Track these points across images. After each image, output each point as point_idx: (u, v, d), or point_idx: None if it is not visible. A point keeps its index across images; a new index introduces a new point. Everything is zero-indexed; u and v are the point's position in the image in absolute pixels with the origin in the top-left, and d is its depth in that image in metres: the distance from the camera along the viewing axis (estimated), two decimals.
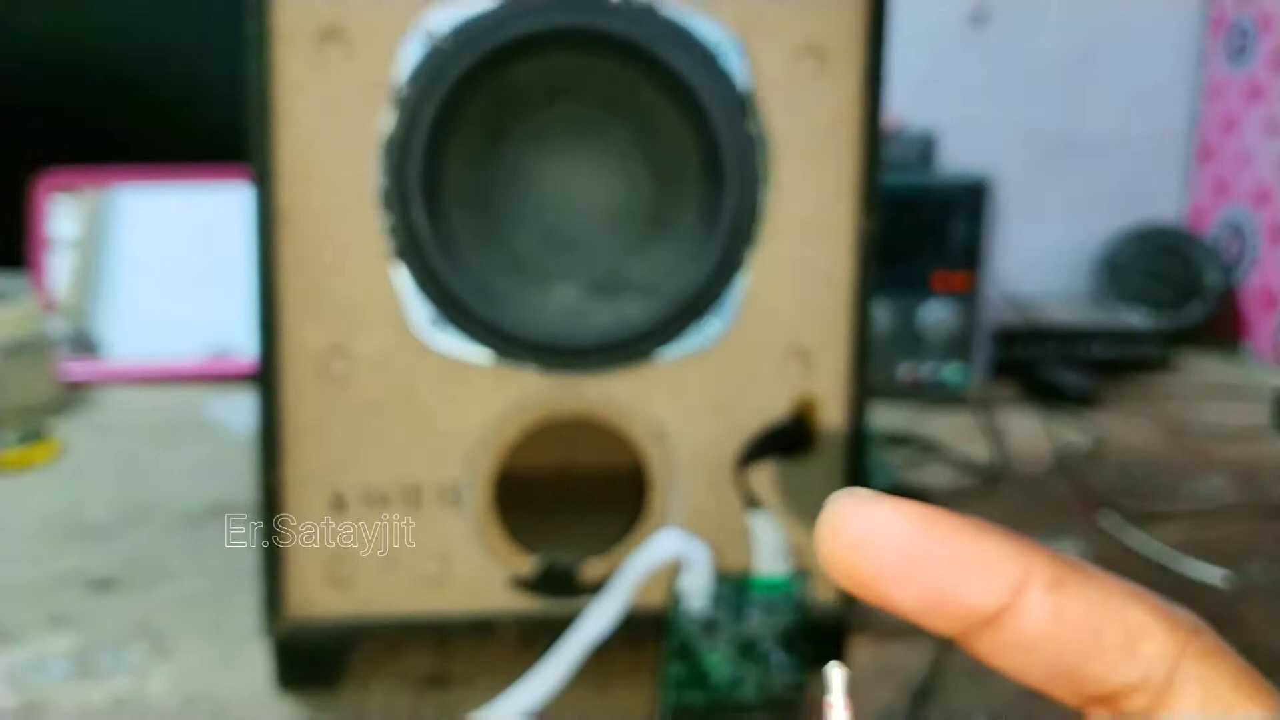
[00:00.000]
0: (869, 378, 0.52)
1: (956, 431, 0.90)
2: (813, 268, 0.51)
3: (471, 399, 0.50)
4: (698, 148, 0.50)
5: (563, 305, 0.51)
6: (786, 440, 0.52)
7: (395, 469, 0.50)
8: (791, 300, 0.51)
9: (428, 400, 0.50)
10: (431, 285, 0.48)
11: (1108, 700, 0.15)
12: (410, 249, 0.48)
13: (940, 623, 0.16)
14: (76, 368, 1.01)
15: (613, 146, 0.52)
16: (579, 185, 0.52)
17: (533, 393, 0.50)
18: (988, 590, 0.15)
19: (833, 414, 0.52)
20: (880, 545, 0.15)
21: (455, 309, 0.49)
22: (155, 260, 1.07)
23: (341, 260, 0.48)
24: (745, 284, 0.51)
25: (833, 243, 0.51)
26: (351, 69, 0.47)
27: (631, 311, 0.50)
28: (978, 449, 0.85)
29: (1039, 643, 0.15)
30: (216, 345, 1.05)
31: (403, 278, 0.48)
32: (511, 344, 0.49)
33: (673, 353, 0.51)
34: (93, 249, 1.06)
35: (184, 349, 1.04)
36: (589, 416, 0.51)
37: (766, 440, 0.52)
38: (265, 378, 0.48)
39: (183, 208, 1.07)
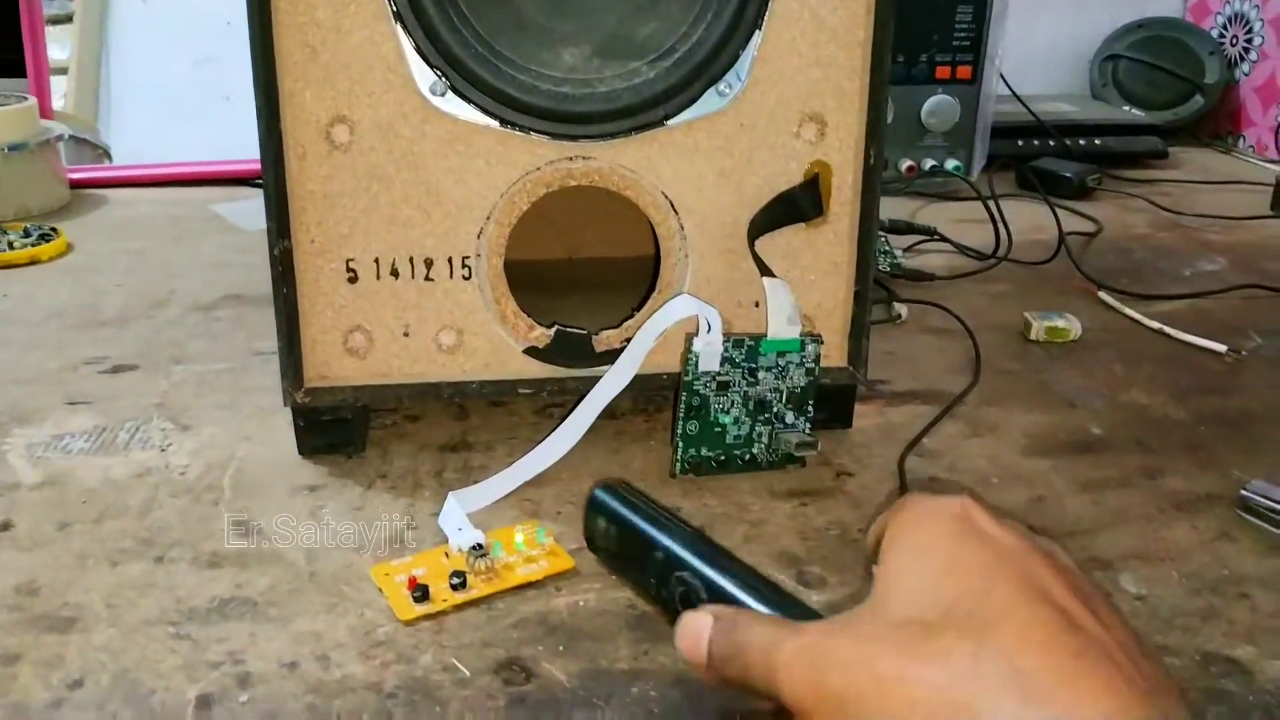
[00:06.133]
0: (884, 143, 0.51)
1: (957, 221, 0.90)
2: (829, 25, 0.49)
3: (479, 167, 0.49)
4: None
5: (570, 68, 0.49)
6: (799, 207, 0.52)
7: (406, 240, 0.49)
8: (807, 62, 0.50)
9: (435, 169, 0.48)
10: (434, 47, 0.47)
11: None
12: (409, 7, 0.46)
13: None
14: (82, 170, 0.99)
15: None
16: None
17: (541, 160, 0.49)
18: None
19: (847, 180, 0.52)
20: None
21: (459, 72, 0.47)
22: (164, 66, 1.03)
23: (338, 19, 0.46)
24: (759, 44, 0.49)
25: None
26: None
27: (641, 74, 0.49)
28: (978, 236, 0.85)
29: None
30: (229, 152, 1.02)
31: (404, 40, 0.46)
32: (518, 109, 0.48)
33: (684, 118, 0.49)
34: (96, 56, 1.02)
35: (195, 154, 1.01)
36: (598, 184, 0.50)
37: (779, 207, 0.51)
38: (268, 144, 0.46)
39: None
